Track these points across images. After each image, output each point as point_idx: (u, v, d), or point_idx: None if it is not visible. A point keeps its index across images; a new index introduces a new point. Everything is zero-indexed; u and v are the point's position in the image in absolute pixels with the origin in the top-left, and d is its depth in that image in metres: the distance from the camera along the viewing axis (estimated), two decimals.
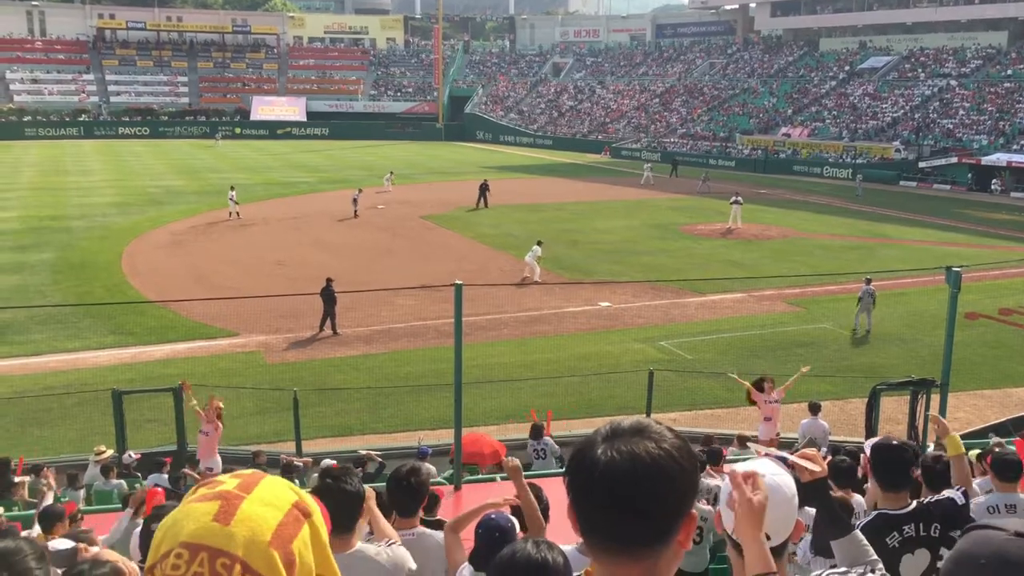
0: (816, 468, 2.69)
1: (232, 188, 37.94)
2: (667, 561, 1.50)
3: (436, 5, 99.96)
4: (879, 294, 22.00)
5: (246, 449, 13.81)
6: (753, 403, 14.00)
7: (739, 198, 37.32)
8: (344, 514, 3.78)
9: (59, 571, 3.35)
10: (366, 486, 4.92)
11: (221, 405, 12.89)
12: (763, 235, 35.36)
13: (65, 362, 18.70)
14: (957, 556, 1.39)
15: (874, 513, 4.01)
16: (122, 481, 11.66)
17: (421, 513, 5.03)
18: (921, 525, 3.83)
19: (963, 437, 11.61)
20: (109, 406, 13.95)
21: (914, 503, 3.94)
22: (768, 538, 2.08)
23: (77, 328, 20.93)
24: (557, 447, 12.80)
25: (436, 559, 4.51)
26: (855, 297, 21.97)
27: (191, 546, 1.26)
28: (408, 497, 4.85)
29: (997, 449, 7.11)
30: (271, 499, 1.34)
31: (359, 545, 3.82)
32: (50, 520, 6.81)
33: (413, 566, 3.86)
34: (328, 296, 20.68)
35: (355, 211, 37.89)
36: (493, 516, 3.95)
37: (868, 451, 4.29)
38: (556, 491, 4.97)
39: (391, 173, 48.85)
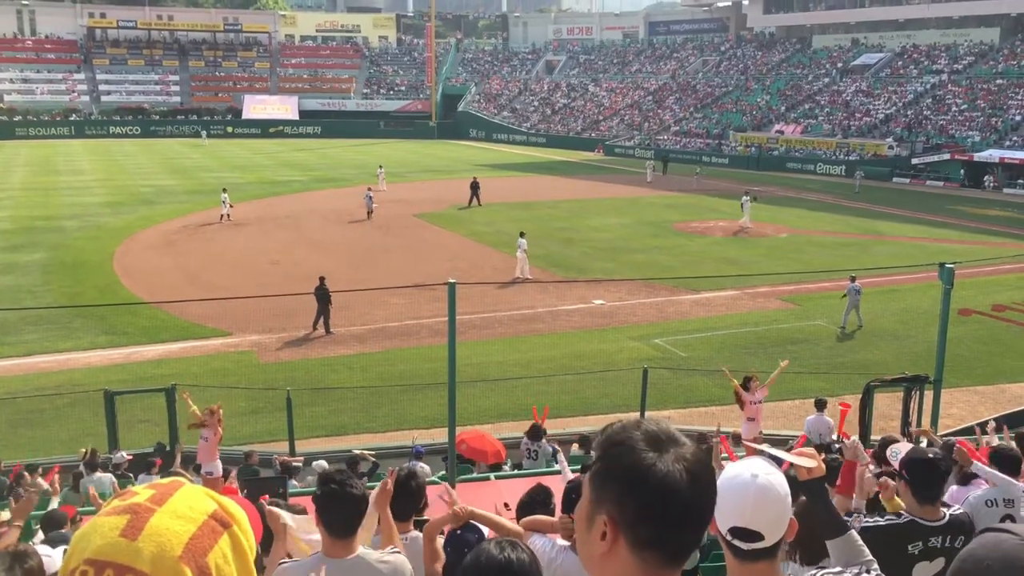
0: (812, 464, 2.71)
1: (224, 190, 36.81)
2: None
3: (428, 3, 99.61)
4: (873, 291, 21.99)
5: (239, 449, 13.74)
6: (740, 403, 13.84)
7: (747, 198, 36.94)
8: (347, 519, 3.65)
9: None
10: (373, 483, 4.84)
11: (219, 410, 12.58)
12: (757, 232, 35.39)
13: (57, 363, 18.61)
14: (965, 556, 1.37)
15: (907, 518, 3.99)
16: (103, 475, 11.50)
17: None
18: (948, 538, 3.84)
19: (956, 434, 11.66)
20: (101, 407, 13.89)
21: (947, 516, 3.94)
22: (762, 538, 2.06)
23: (69, 328, 20.83)
24: (550, 448, 12.72)
25: None
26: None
27: (96, 563, 1.24)
28: (403, 500, 4.80)
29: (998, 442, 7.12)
30: (184, 511, 1.30)
31: (360, 551, 3.70)
32: (55, 525, 6.89)
33: None
34: (322, 295, 20.62)
35: (370, 209, 37.14)
36: (460, 532, 3.89)
37: (899, 464, 4.20)
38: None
39: (380, 168, 48.51)
